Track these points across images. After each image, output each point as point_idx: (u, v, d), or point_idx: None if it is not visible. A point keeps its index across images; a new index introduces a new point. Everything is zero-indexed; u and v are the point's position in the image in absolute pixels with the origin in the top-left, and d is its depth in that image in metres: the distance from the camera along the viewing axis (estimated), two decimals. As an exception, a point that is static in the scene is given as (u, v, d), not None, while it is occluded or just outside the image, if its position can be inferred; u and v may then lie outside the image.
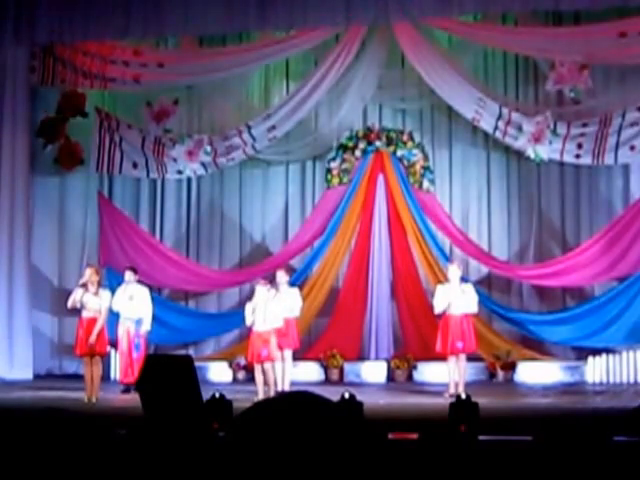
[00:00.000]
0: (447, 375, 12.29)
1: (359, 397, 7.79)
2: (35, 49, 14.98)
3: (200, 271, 15.57)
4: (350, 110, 15.22)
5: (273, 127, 14.96)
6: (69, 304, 12.39)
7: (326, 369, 14.38)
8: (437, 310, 12.31)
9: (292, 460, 2.73)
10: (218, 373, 14.42)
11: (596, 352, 14.01)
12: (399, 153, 15.11)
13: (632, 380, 13.80)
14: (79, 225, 15.90)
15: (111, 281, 13.98)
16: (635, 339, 13.92)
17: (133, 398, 10.33)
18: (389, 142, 15.14)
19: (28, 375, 14.55)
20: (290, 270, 14.33)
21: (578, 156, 14.29)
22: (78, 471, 3.11)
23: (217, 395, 7.93)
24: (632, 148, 14.08)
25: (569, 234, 15.12)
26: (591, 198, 14.97)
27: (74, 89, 15.09)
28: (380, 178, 15.13)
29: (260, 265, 15.19)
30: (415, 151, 15.13)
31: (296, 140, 15.54)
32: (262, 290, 11.73)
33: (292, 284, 13.44)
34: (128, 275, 13.11)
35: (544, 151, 14.27)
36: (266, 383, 11.56)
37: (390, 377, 14.24)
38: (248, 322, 11.79)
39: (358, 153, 15.19)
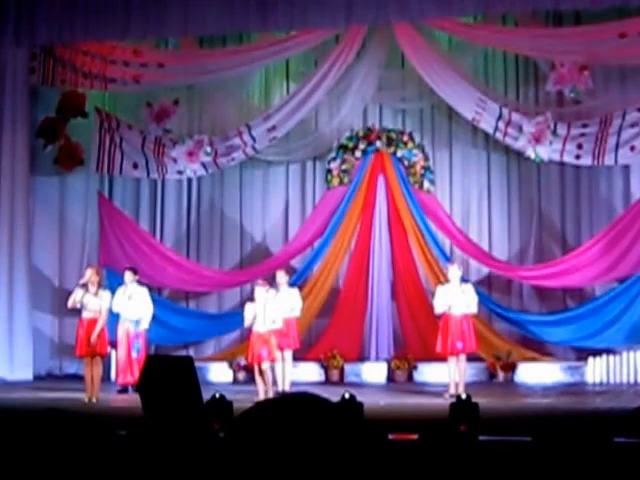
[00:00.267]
0: (447, 375, 12.28)
1: (359, 397, 7.81)
2: (35, 50, 14.97)
3: (200, 271, 15.57)
4: (350, 110, 15.24)
5: (273, 127, 14.97)
6: (69, 304, 12.39)
7: (326, 369, 14.38)
8: (437, 310, 12.31)
9: (292, 461, 2.73)
10: (218, 374, 14.42)
11: (596, 353, 14.01)
12: (399, 153, 15.11)
13: (632, 381, 13.79)
14: (79, 225, 15.90)
15: (111, 281, 13.98)
16: (635, 340, 13.92)
17: (133, 398, 10.33)
18: (389, 142, 15.14)
19: (28, 376, 14.55)
20: (290, 270, 14.34)
21: (578, 157, 14.30)
22: (78, 472, 3.11)
23: (217, 396, 7.94)
24: (632, 149, 14.09)
25: (569, 235, 15.13)
26: (591, 199, 14.97)
27: (74, 89, 15.09)
28: (380, 178, 15.13)
29: (260, 265, 15.19)
30: (415, 151, 15.13)
31: (296, 140, 15.55)
32: (261, 291, 11.72)
33: (292, 284, 13.45)
34: (127, 276, 13.11)
35: (544, 151, 14.27)
36: (264, 383, 11.54)
37: (390, 377, 14.24)
38: (246, 323, 11.77)
39: (358, 153, 15.19)
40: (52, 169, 15.39)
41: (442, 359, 12.51)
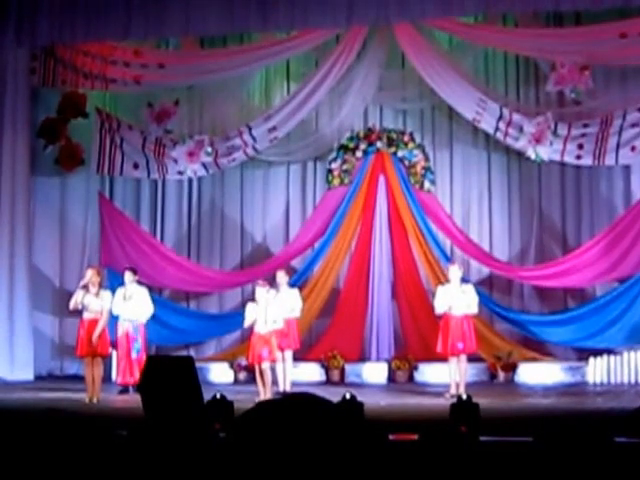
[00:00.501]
0: (448, 376, 12.29)
1: (360, 398, 7.81)
2: (36, 50, 14.95)
3: (201, 272, 15.57)
4: (351, 111, 15.23)
5: (274, 128, 14.97)
6: (71, 306, 12.39)
7: (327, 370, 14.37)
8: (438, 311, 12.30)
9: (293, 461, 2.73)
10: (219, 374, 14.41)
11: (597, 353, 14.00)
12: (400, 154, 15.11)
13: (633, 381, 13.78)
14: (80, 226, 15.89)
15: (112, 282, 13.97)
16: (636, 340, 13.92)
17: (134, 399, 10.33)
18: (390, 143, 15.14)
19: (29, 376, 14.53)
20: (291, 271, 14.35)
21: (579, 157, 14.30)
22: (79, 472, 3.11)
23: (218, 396, 7.94)
24: (633, 149, 14.09)
25: (570, 235, 15.12)
26: (592, 199, 14.97)
27: (75, 90, 15.08)
28: (381, 179, 15.13)
29: (261, 266, 15.19)
30: (416, 152, 15.13)
31: (297, 141, 15.55)
32: (262, 291, 11.71)
33: (293, 285, 13.45)
34: (127, 276, 13.11)
35: (545, 152, 14.27)
36: (263, 383, 11.53)
37: (391, 378, 14.23)
38: (246, 324, 11.77)
39: (359, 154, 15.19)
40: (53, 169, 15.39)
41: (443, 359, 12.51)
